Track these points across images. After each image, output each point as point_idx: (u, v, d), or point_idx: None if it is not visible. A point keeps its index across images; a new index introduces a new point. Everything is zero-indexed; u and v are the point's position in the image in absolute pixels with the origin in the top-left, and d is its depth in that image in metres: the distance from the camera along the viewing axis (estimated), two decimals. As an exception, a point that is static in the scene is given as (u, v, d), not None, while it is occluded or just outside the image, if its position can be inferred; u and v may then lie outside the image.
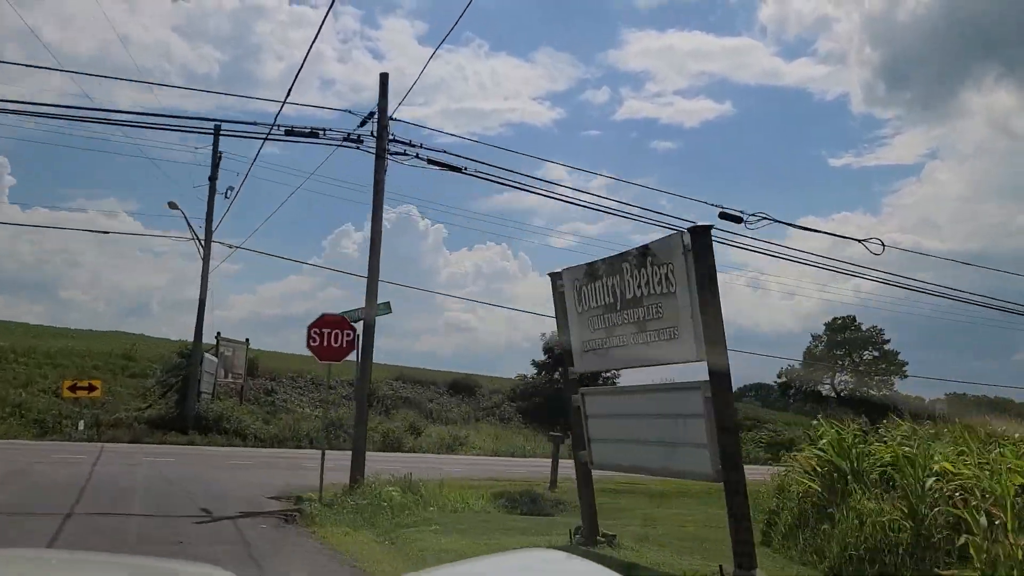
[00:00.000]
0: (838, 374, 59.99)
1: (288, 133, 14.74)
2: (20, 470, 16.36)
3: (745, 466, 7.87)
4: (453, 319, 75.27)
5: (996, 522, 7.24)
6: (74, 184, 68.93)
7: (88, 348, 35.02)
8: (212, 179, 28.02)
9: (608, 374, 22.75)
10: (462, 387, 42.48)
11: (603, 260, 9.40)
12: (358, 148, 15.05)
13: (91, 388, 25.56)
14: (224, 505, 12.73)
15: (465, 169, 15.54)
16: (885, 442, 10.32)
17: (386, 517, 11.59)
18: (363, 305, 15.42)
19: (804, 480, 10.48)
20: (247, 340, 34.65)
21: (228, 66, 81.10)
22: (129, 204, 73.40)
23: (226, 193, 27.40)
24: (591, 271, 9.53)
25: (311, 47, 47.47)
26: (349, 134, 15.11)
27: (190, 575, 3.21)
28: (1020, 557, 6.85)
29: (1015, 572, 6.81)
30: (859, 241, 18.17)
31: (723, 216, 16.15)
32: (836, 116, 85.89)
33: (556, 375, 42.56)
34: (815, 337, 61.26)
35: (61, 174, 66.66)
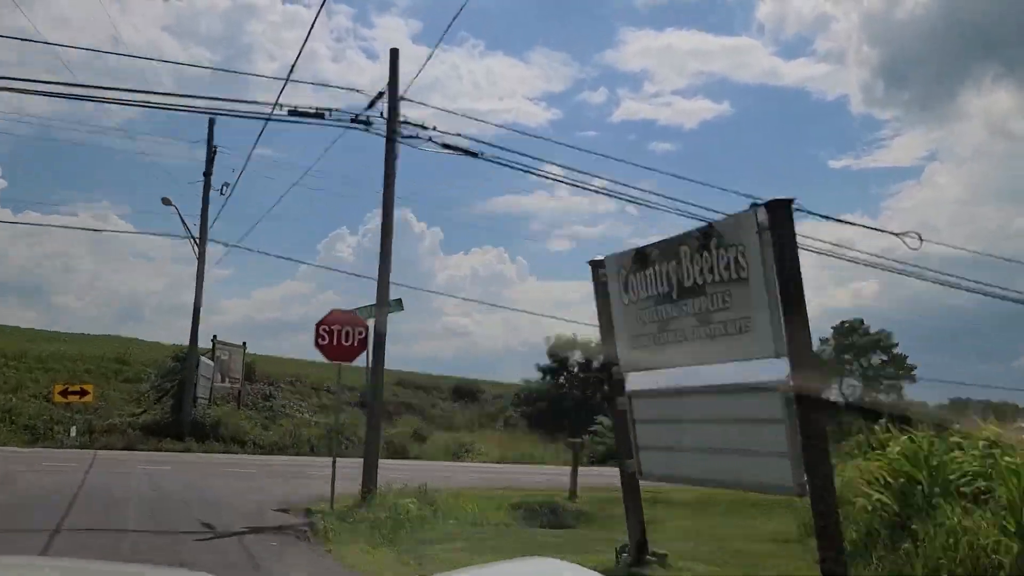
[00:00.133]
0: (845, 379, 59.04)
1: (292, 113, 13.69)
2: (5, 478, 15.27)
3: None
4: (451, 324, 74.08)
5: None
6: (69, 187, 67.70)
7: (80, 352, 33.91)
8: (207, 175, 27.04)
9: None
10: (464, 392, 41.57)
11: (655, 244, 8.40)
12: (367, 130, 14.01)
13: (83, 393, 24.58)
14: (227, 518, 11.71)
15: (482, 154, 14.53)
16: (963, 449, 9.32)
17: (406, 532, 10.59)
18: (368, 304, 14.44)
19: (871, 492, 9.46)
20: (244, 344, 33.64)
21: (220, 67, 79.93)
22: (122, 208, 72.16)
23: (221, 189, 26.35)
24: (640, 257, 8.52)
25: (306, 40, 46.52)
26: (357, 115, 14.06)
27: None
28: None
29: None
30: (896, 235, 17.27)
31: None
32: (836, 116, 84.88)
33: (562, 379, 41.77)
34: (822, 341, 60.36)
35: (54, 176, 65.41)
